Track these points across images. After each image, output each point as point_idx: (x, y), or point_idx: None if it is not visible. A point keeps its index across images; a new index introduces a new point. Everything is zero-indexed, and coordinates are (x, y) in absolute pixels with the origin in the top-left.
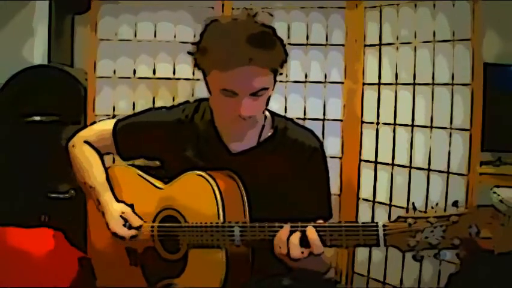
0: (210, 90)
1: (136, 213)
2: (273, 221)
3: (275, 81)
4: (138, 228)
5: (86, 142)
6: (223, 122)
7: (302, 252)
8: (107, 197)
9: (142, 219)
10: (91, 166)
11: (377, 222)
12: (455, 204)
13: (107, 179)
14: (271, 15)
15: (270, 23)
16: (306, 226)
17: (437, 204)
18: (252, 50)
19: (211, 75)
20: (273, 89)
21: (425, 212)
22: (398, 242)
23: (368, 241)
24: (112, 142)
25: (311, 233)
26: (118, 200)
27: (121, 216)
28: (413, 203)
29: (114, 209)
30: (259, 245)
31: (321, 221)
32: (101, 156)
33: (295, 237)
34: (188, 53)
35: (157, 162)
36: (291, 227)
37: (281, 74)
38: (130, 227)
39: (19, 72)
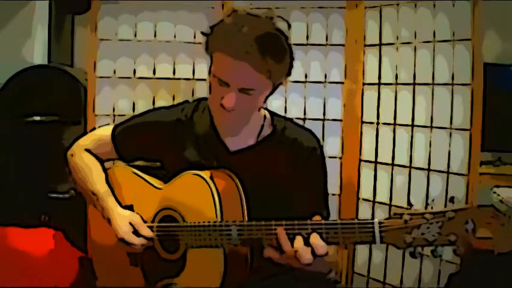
0: (209, 74)
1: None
2: (270, 220)
3: (274, 88)
4: (150, 239)
5: (85, 150)
6: (212, 109)
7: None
8: (111, 203)
9: (145, 220)
10: (92, 173)
11: (373, 220)
12: (451, 200)
13: (108, 183)
14: (289, 25)
15: (286, 33)
16: (302, 225)
17: (433, 200)
18: (256, 51)
19: (214, 57)
20: (270, 94)
21: (425, 209)
22: (394, 239)
23: (364, 238)
24: (112, 147)
25: (314, 237)
26: (123, 206)
27: (130, 223)
28: (409, 200)
29: (121, 215)
30: (257, 244)
31: (318, 217)
32: (101, 162)
33: (300, 242)
34: (202, 33)
35: (158, 164)
36: (288, 230)
37: (281, 84)
38: (139, 235)
39: (19, 72)
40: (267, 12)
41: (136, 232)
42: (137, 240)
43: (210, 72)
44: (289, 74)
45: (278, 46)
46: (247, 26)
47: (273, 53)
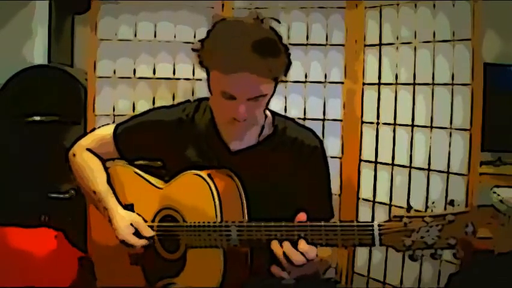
0: (210, 89)
1: (140, 215)
2: (272, 220)
3: (276, 86)
4: (151, 238)
5: (87, 150)
6: (220, 122)
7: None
8: (112, 204)
9: (145, 220)
10: (93, 173)
11: (372, 222)
12: (451, 203)
13: (109, 183)
14: (279, 21)
15: (276, 29)
16: (302, 227)
17: (433, 202)
18: (255, 57)
19: (212, 74)
20: (273, 94)
21: (425, 212)
22: (393, 241)
23: (363, 241)
24: (114, 147)
25: (302, 243)
26: (124, 207)
27: (131, 224)
28: (408, 203)
29: (123, 216)
30: (256, 245)
31: (303, 217)
32: (103, 162)
33: (287, 247)
34: (193, 49)
35: (159, 163)
36: (287, 232)
37: (284, 81)
38: (141, 236)
39: (19, 72)
40: (253, 14)
41: (137, 233)
42: (138, 242)
43: (208, 85)
44: (287, 70)
45: (275, 47)
46: (240, 34)
47: (271, 52)
